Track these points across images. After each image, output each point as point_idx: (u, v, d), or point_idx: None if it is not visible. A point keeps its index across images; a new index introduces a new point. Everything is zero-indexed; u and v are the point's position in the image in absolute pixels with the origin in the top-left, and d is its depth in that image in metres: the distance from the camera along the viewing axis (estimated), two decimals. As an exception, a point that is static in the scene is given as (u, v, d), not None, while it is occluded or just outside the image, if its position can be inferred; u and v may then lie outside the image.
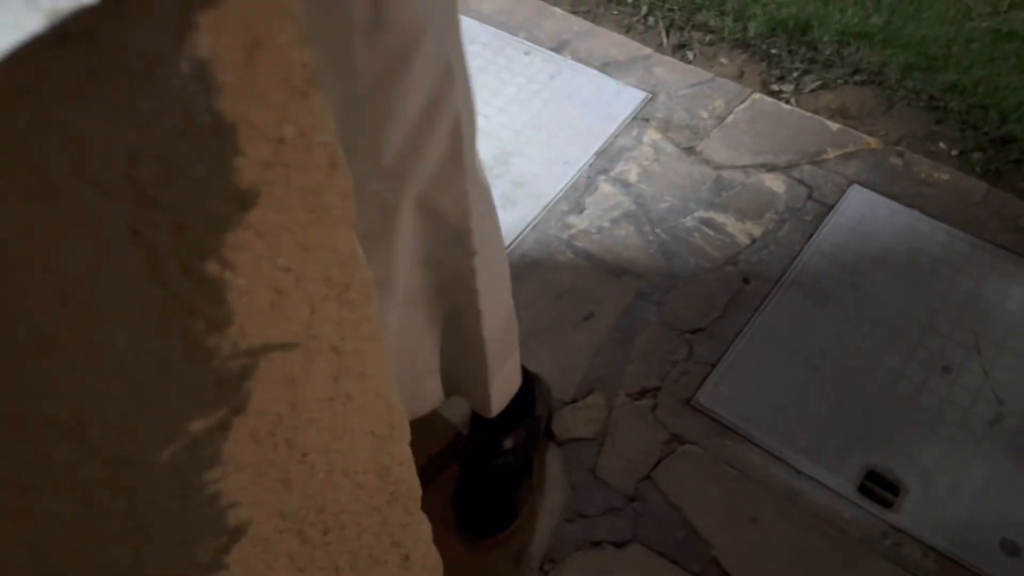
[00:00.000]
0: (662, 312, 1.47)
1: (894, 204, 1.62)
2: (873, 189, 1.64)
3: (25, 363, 0.31)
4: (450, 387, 1.11)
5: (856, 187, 1.65)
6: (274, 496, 0.50)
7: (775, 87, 1.88)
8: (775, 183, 1.65)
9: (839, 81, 1.88)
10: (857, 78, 1.89)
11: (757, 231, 1.58)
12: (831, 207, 1.62)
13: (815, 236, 1.57)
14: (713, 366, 1.40)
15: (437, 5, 0.71)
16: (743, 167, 1.68)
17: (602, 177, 1.66)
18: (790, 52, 1.94)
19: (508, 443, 1.20)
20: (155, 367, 0.37)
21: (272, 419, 0.46)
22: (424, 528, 0.72)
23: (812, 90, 1.87)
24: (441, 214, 0.85)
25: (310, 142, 0.37)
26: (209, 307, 0.37)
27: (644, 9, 2.07)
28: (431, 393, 1.10)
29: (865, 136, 1.74)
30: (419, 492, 0.67)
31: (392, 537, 0.68)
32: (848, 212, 1.61)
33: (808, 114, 1.79)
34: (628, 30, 2.01)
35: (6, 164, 0.27)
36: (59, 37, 0.26)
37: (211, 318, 0.38)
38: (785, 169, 1.68)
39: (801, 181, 1.66)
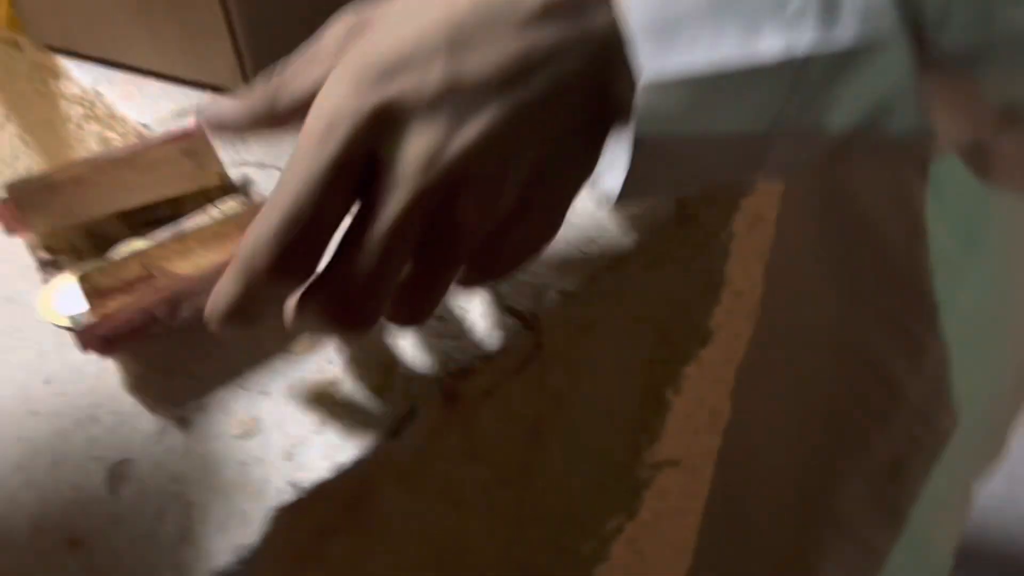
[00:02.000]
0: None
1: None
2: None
3: (545, 454, 0.38)
4: None
5: None
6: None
7: None
8: None
9: None
10: None
11: None
12: None
13: None
14: None
15: None
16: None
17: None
18: None
19: None
20: (607, 470, 0.44)
21: (640, 526, 0.52)
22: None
23: None
24: None
25: (753, 299, 0.44)
26: (655, 425, 0.44)
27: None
28: None
29: None
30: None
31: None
32: None
33: None
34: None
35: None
36: (680, 217, 0.34)
37: (652, 434, 0.45)
38: None
39: None
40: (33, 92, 0.49)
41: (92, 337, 0.27)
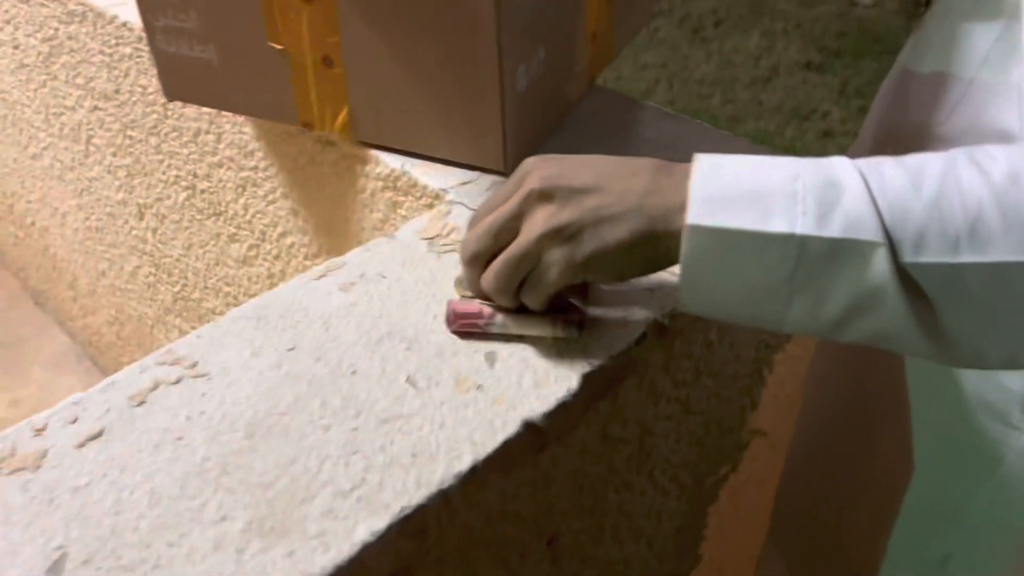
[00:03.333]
0: None
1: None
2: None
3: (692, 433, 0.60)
4: None
5: None
6: (710, 539, 0.75)
7: None
8: None
9: None
10: None
11: None
12: None
13: None
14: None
15: None
16: None
17: None
18: None
19: None
20: (724, 419, 0.65)
21: (739, 481, 0.72)
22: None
23: None
24: None
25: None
26: (756, 394, 0.66)
27: None
28: None
29: None
30: None
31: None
32: None
33: None
34: None
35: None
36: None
37: (753, 401, 0.66)
38: None
39: None
40: (332, 175, 0.74)
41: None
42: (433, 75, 0.61)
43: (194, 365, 0.49)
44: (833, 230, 0.38)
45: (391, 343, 0.50)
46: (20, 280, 1.91)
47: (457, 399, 0.47)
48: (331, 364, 0.49)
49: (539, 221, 0.45)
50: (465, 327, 0.50)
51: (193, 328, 1.25)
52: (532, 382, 0.48)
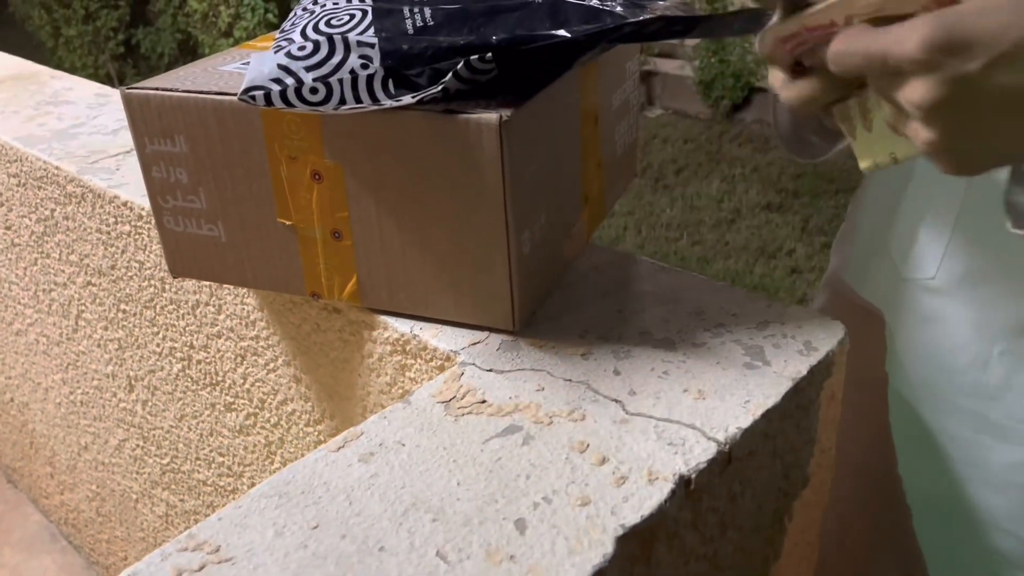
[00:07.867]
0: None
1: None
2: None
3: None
4: None
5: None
6: None
7: None
8: None
9: None
10: None
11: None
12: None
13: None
14: None
15: None
16: None
17: None
18: None
19: None
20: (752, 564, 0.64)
21: None
22: None
23: None
24: None
25: (830, 456, 0.67)
26: (777, 543, 0.65)
27: None
28: None
29: None
30: None
31: None
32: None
33: None
34: None
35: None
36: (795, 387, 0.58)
37: (775, 550, 0.65)
38: None
39: None
40: (337, 341, 0.74)
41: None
42: (442, 244, 0.63)
43: (217, 549, 0.48)
44: None
45: (417, 514, 0.49)
46: (-7, 458, 1.85)
47: (490, 572, 0.46)
48: (357, 541, 0.48)
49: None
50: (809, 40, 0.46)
51: (182, 501, 1.22)
52: (565, 549, 0.47)
